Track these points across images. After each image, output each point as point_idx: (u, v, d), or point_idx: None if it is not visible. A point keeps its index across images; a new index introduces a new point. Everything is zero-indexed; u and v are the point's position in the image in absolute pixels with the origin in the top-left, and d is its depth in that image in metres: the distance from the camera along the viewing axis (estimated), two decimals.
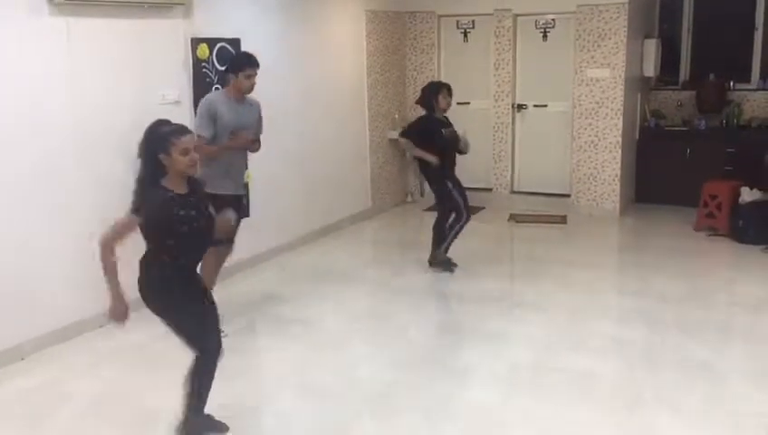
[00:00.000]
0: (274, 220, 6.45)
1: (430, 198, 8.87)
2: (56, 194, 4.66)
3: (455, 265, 6.18)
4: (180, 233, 3.18)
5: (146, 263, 3.31)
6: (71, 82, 4.71)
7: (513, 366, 4.38)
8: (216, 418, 3.57)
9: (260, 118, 5.03)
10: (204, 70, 5.62)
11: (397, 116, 8.63)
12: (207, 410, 3.57)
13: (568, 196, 8.34)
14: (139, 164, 3.24)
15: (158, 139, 3.17)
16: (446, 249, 6.13)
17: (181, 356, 3.82)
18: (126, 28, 5.05)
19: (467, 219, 6.06)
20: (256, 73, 4.85)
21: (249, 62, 4.83)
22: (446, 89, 5.99)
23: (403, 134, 6.21)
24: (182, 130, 3.25)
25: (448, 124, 6.05)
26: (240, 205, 4.90)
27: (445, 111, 6.01)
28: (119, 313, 3.24)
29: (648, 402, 3.91)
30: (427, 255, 6.21)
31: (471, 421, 3.74)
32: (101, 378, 4.29)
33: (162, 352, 4.59)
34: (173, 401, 3.88)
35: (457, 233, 6.08)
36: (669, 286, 5.75)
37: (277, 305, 5.33)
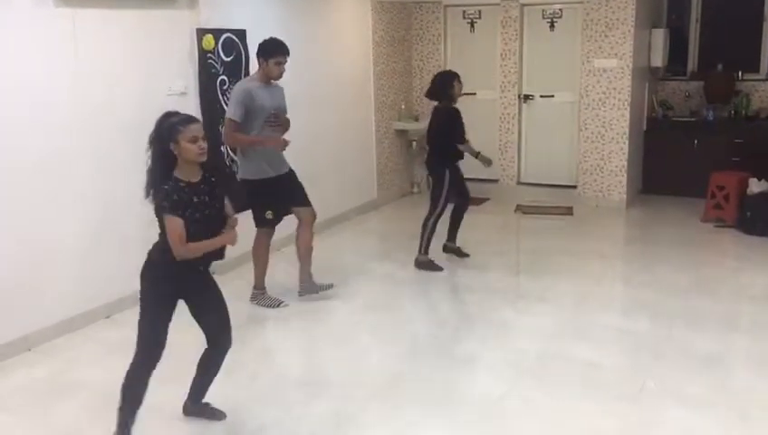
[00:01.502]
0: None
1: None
2: (62, 185, 4.67)
3: (466, 254, 6.21)
4: (193, 220, 3.21)
5: (155, 249, 3.36)
6: (76, 73, 4.71)
7: (518, 357, 4.38)
8: (213, 406, 3.63)
9: (284, 99, 5.19)
10: (210, 61, 5.61)
11: (403, 107, 8.62)
12: (209, 398, 3.59)
13: (574, 187, 8.32)
14: (150, 157, 3.26)
15: (167, 129, 3.21)
16: (427, 250, 6.04)
17: (187, 347, 3.84)
18: (132, 19, 5.04)
19: (440, 214, 6.02)
20: (286, 61, 4.95)
21: (280, 50, 4.92)
22: (458, 77, 5.96)
23: (457, 140, 5.95)
24: (190, 118, 3.27)
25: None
26: (286, 183, 5.10)
27: (457, 99, 5.98)
28: (231, 238, 3.35)
29: (653, 393, 3.91)
30: (432, 245, 6.20)
31: (476, 412, 3.74)
32: (108, 369, 4.29)
33: (168, 342, 4.61)
34: (179, 392, 3.91)
35: (433, 228, 6.03)
36: (676, 277, 5.73)
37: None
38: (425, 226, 6.06)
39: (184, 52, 5.49)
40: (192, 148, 3.19)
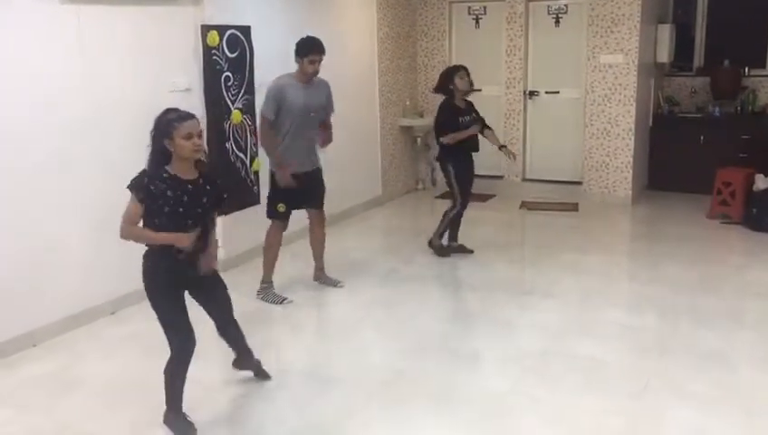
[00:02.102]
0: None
1: (441, 185, 8.89)
2: (67, 181, 4.68)
3: (470, 250, 6.22)
4: (163, 213, 3.25)
5: (145, 253, 3.42)
6: (81, 70, 4.71)
7: (522, 353, 4.37)
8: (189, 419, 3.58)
9: (330, 97, 5.25)
10: (214, 57, 5.61)
11: (408, 103, 8.61)
12: (215, 392, 3.60)
13: (580, 183, 8.30)
14: (149, 152, 3.32)
15: (163, 125, 3.26)
16: (441, 235, 6.20)
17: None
18: (136, 15, 5.04)
19: (462, 208, 6.09)
20: (321, 59, 4.99)
21: (314, 48, 4.96)
22: (463, 70, 5.93)
23: (440, 135, 5.98)
24: (186, 116, 3.29)
25: (469, 111, 6.00)
26: (308, 181, 5.18)
27: (465, 93, 5.96)
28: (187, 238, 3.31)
29: (658, 389, 3.89)
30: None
31: (480, 408, 3.74)
32: (112, 364, 4.32)
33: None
34: (183, 387, 3.92)
35: (451, 220, 6.12)
36: (681, 274, 5.72)
37: (287, 292, 5.34)
38: (444, 215, 6.19)
39: (188, 48, 5.49)
40: (186, 144, 3.22)
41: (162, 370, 3.50)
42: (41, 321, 4.57)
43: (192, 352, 3.47)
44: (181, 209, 3.28)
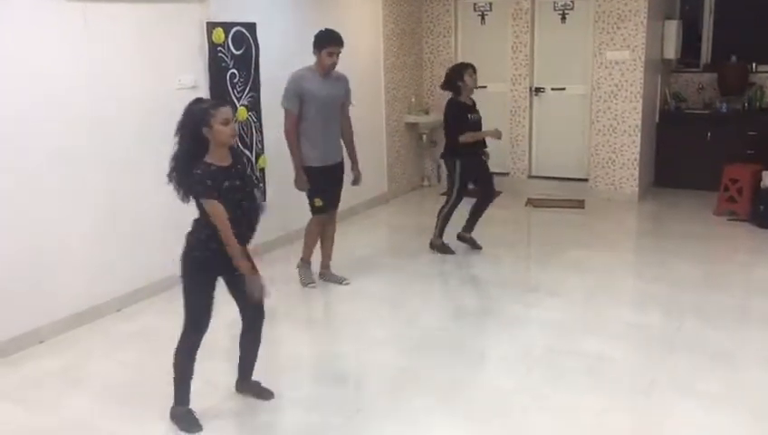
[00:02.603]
0: (290, 205, 6.44)
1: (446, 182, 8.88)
2: (72, 179, 4.69)
3: (479, 246, 6.24)
4: (233, 202, 3.30)
5: (192, 230, 3.42)
6: (87, 67, 4.72)
7: (528, 350, 4.37)
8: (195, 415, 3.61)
9: (348, 90, 5.31)
10: (220, 54, 5.61)
11: (413, 100, 8.59)
12: (222, 389, 3.59)
13: (586, 180, 8.27)
14: (177, 143, 3.33)
15: (199, 113, 3.28)
16: (440, 234, 6.19)
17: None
18: (142, 12, 5.04)
19: (453, 204, 6.10)
20: (339, 51, 5.02)
21: (331, 40, 4.98)
22: (471, 68, 5.95)
23: (452, 132, 5.96)
24: (220, 102, 3.43)
25: (474, 108, 6.01)
26: (333, 175, 5.29)
27: (472, 90, 5.96)
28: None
29: (664, 388, 3.88)
30: (446, 237, 6.21)
31: (486, 405, 3.73)
32: (118, 362, 4.33)
33: (178, 336, 4.62)
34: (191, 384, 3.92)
35: (445, 217, 6.13)
36: (688, 271, 5.70)
37: (293, 290, 5.34)
38: (439, 214, 6.21)
39: (194, 45, 5.49)
40: (225, 130, 3.27)
41: (172, 363, 3.53)
42: (47, 318, 4.58)
43: (202, 335, 3.49)
44: (239, 195, 3.35)
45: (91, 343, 4.59)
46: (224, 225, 3.27)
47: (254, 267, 3.45)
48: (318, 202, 5.21)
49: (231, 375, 3.94)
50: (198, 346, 3.52)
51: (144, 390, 3.94)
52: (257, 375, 3.88)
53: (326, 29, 5.06)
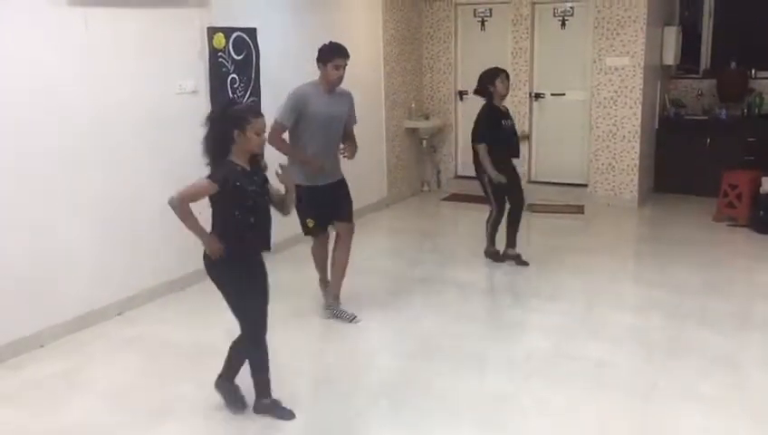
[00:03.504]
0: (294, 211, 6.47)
1: (448, 187, 8.90)
2: (73, 183, 4.69)
3: (525, 262, 6.09)
4: (247, 206, 3.40)
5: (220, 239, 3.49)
6: (88, 71, 4.73)
7: (529, 355, 4.37)
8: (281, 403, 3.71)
9: (352, 108, 4.98)
10: (220, 59, 5.62)
11: (413, 105, 8.61)
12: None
13: (585, 186, 8.29)
14: (207, 137, 3.41)
15: (237, 116, 3.37)
16: (492, 242, 6.13)
17: (197, 346, 3.85)
18: (143, 18, 5.06)
19: (498, 213, 6.03)
20: (345, 64, 4.75)
21: (337, 53, 4.71)
22: (504, 73, 5.86)
23: (478, 139, 5.81)
24: (258, 111, 3.49)
25: (508, 114, 5.97)
26: (331, 193, 4.96)
27: (503, 97, 5.90)
28: (216, 250, 3.43)
29: (665, 392, 3.88)
30: (443, 243, 6.22)
31: (487, 410, 3.73)
32: (119, 366, 4.33)
33: (178, 341, 4.63)
34: (189, 390, 3.93)
35: (492, 225, 6.08)
36: (688, 276, 5.70)
37: (292, 294, 5.34)
38: (486, 223, 6.14)
39: (195, 50, 5.50)
40: (256, 140, 3.39)
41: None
42: (48, 322, 4.58)
43: (266, 329, 3.66)
44: (259, 200, 3.46)
45: (92, 347, 4.59)
46: (189, 198, 3.35)
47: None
48: (310, 223, 4.90)
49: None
50: (265, 340, 3.66)
51: (145, 394, 3.94)
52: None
53: (330, 42, 4.80)
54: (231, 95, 5.73)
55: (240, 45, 5.79)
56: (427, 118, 8.68)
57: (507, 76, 5.90)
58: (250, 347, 3.61)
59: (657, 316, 4.94)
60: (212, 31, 5.55)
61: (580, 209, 7.93)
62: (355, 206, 7.52)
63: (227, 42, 5.66)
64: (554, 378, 4.08)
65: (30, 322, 4.47)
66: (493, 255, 6.17)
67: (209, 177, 3.38)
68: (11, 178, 4.32)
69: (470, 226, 6.29)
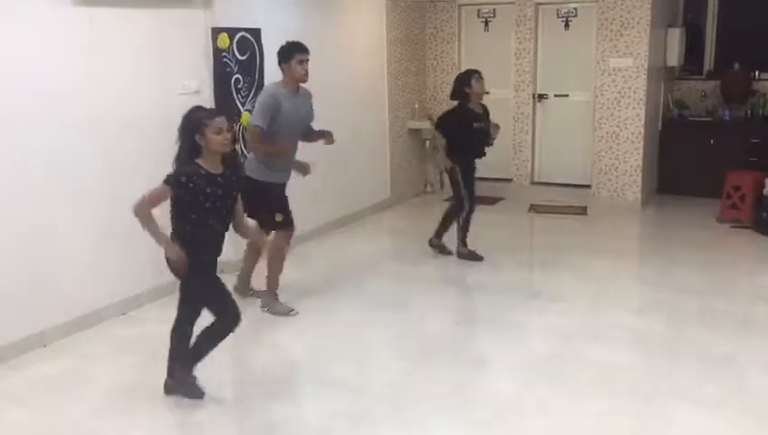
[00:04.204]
0: (294, 211, 6.47)
1: (449, 188, 8.88)
2: (77, 183, 4.70)
3: (449, 252, 6.24)
4: (203, 208, 3.50)
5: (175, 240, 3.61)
6: (92, 71, 4.74)
7: (531, 356, 4.37)
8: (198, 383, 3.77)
9: (312, 106, 5.06)
10: (224, 60, 5.63)
11: (416, 106, 8.62)
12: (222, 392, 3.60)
13: (588, 187, 8.28)
14: (178, 146, 3.56)
15: (194, 121, 3.50)
16: (461, 241, 6.18)
17: None
18: (147, 18, 5.07)
19: (468, 210, 6.10)
20: (308, 59, 4.81)
21: (298, 48, 4.79)
22: (477, 73, 5.91)
23: (437, 126, 6.10)
24: (215, 112, 3.63)
25: (483, 115, 5.98)
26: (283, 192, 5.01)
27: (480, 96, 5.93)
28: (180, 261, 3.55)
29: (666, 394, 3.88)
30: (446, 244, 6.22)
31: (488, 411, 3.73)
32: (122, 365, 4.34)
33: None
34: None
35: (459, 224, 6.14)
36: (690, 278, 5.70)
37: (296, 295, 5.35)
38: (456, 222, 6.20)
39: (199, 50, 5.52)
40: (217, 139, 3.48)
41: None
42: (50, 321, 4.59)
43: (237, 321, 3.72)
44: (218, 203, 3.54)
45: (95, 346, 4.60)
46: (148, 204, 3.47)
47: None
48: (279, 217, 4.92)
49: (231, 377, 3.95)
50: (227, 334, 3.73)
51: (148, 393, 3.94)
52: (259, 380, 3.89)
53: (288, 41, 4.84)
54: (235, 95, 5.74)
55: (244, 46, 5.80)
56: (430, 119, 8.65)
57: (481, 76, 5.93)
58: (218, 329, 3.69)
59: (660, 318, 4.93)
60: (216, 31, 5.56)
61: (583, 210, 7.93)
62: (358, 206, 7.62)
63: (231, 42, 5.67)
64: (556, 379, 4.08)
65: (33, 321, 4.48)
66: (467, 254, 6.17)
67: (164, 180, 3.49)
68: (14, 178, 4.33)
69: (472, 226, 6.28)
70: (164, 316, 5.01)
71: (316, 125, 5.17)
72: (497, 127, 6.08)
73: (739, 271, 6.02)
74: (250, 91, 5.90)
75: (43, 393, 4.00)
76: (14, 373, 4.20)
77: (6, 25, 4.23)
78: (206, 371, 3.81)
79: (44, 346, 4.53)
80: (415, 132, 8.64)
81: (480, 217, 6.35)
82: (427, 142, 8.74)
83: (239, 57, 5.76)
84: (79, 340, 4.66)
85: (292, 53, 4.77)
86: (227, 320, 3.66)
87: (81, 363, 4.36)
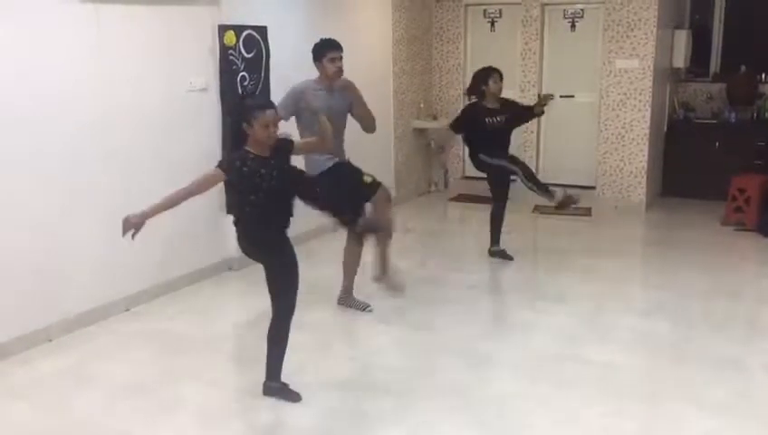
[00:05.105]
0: (298, 208, 6.47)
1: (454, 188, 8.90)
2: (83, 179, 4.71)
3: (510, 257, 6.21)
4: (261, 189, 3.53)
5: (238, 223, 3.69)
6: (99, 68, 4.74)
7: (535, 356, 4.36)
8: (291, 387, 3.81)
9: (357, 99, 4.98)
10: (231, 57, 5.63)
11: (422, 105, 8.61)
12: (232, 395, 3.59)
13: (593, 188, 8.27)
14: (224, 129, 3.69)
15: (244, 110, 3.57)
16: (492, 241, 6.20)
17: (205, 341, 3.86)
18: (154, 15, 5.08)
19: (496, 207, 6.13)
20: (340, 56, 4.78)
21: (330, 46, 4.77)
22: (497, 73, 5.93)
23: (452, 126, 6.20)
24: (265, 105, 3.62)
25: (500, 111, 5.97)
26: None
27: (496, 95, 5.95)
28: (135, 221, 3.46)
29: (671, 396, 3.87)
30: (450, 244, 6.22)
31: (492, 411, 3.73)
32: (127, 361, 4.35)
33: (186, 336, 4.65)
34: (197, 385, 3.94)
35: (494, 223, 6.15)
36: (695, 280, 5.69)
37: (299, 293, 5.35)
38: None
39: (205, 48, 5.52)
40: (263, 132, 3.50)
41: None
42: (56, 317, 4.60)
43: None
44: (274, 183, 3.56)
45: (100, 341, 4.61)
46: (197, 188, 3.45)
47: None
48: (368, 178, 4.97)
49: (236, 375, 3.95)
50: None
51: (153, 388, 3.95)
52: (261, 379, 3.88)
53: (322, 38, 4.85)
54: (240, 93, 5.74)
55: (251, 43, 5.80)
56: (435, 118, 8.68)
57: (501, 76, 5.95)
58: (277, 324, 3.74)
59: (664, 320, 4.93)
60: (223, 28, 5.56)
61: (587, 212, 7.92)
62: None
63: (238, 39, 5.67)
64: (560, 380, 4.07)
65: (38, 316, 4.49)
66: (498, 253, 6.18)
67: (217, 165, 3.54)
68: (20, 175, 4.34)
69: (477, 226, 6.30)
70: (168, 312, 5.05)
71: None
72: (548, 96, 6.19)
73: (744, 273, 6.01)
74: (256, 89, 5.90)
75: (48, 388, 4.01)
76: (19, 368, 4.21)
77: (13, 23, 4.23)
78: (211, 365, 3.81)
79: (50, 341, 4.54)
80: (420, 132, 8.64)
81: (483, 217, 6.34)
82: (432, 142, 8.74)
83: (245, 55, 5.77)
84: (84, 335, 4.66)
85: (324, 51, 4.76)
86: (280, 306, 3.72)
87: (85, 359, 4.37)
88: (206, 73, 5.53)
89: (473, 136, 6.01)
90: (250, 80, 5.82)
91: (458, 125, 6.11)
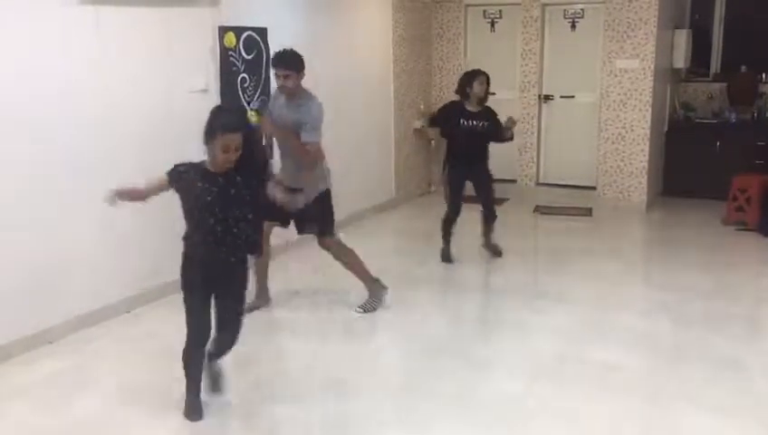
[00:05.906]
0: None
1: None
2: (83, 181, 4.70)
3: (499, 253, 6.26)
4: (192, 197, 3.36)
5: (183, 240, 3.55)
6: (99, 70, 4.74)
7: (535, 357, 4.36)
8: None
9: (306, 116, 4.68)
10: (231, 58, 5.64)
11: (422, 106, 8.62)
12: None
13: (594, 188, 8.27)
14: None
15: (207, 127, 3.33)
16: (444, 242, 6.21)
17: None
18: (154, 16, 5.08)
19: (449, 214, 6.14)
20: (286, 75, 4.61)
21: (274, 62, 4.70)
22: (484, 76, 5.92)
23: (430, 119, 6.33)
24: (233, 126, 3.30)
25: (481, 117, 5.94)
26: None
27: (481, 99, 5.92)
28: (125, 192, 3.46)
29: (671, 396, 3.87)
30: (451, 245, 6.23)
31: (492, 412, 3.73)
32: (128, 363, 4.35)
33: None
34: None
35: (442, 228, 6.17)
36: (696, 280, 5.69)
37: (299, 294, 5.36)
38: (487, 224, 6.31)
39: (205, 49, 5.52)
40: (219, 156, 3.29)
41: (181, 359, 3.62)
42: (57, 318, 4.60)
43: (206, 340, 3.59)
44: (209, 198, 3.34)
45: (101, 343, 4.61)
46: (145, 190, 3.42)
47: None
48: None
49: (236, 376, 3.95)
50: (202, 353, 3.64)
51: (153, 390, 3.95)
52: (262, 381, 3.89)
53: (276, 51, 4.76)
54: (241, 94, 5.75)
55: (251, 45, 5.81)
56: (424, 115, 8.68)
57: (487, 79, 5.92)
58: (186, 349, 3.59)
59: (665, 320, 4.93)
60: (223, 30, 5.57)
61: (588, 212, 7.92)
62: (363, 206, 7.62)
63: (238, 41, 5.68)
64: (561, 380, 4.07)
65: (39, 318, 4.50)
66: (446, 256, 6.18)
67: (167, 170, 3.42)
68: (22, 177, 4.34)
69: (476, 227, 6.29)
70: (168, 315, 5.04)
71: (326, 126, 5.07)
72: (512, 121, 6.02)
73: (745, 273, 6.00)
74: (256, 91, 5.91)
75: (49, 390, 4.01)
76: (20, 370, 4.22)
77: (13, 25, 4.23)
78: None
79: (50, 343, 4.55)
80: (420, 132, 8.64)
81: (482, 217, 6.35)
82: (433, 142, 8.74)
83: (245, 56, 5.77)
84: (85, 337, 4.67)
85: (273, 65, 4.74)
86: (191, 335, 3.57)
87: (86, 361, 4.37)
88: (207, 75, 5.53)
89: (446, 133, 6.09)
90: (250, 81, 5.83)
91: (434, 119, 6.23)
